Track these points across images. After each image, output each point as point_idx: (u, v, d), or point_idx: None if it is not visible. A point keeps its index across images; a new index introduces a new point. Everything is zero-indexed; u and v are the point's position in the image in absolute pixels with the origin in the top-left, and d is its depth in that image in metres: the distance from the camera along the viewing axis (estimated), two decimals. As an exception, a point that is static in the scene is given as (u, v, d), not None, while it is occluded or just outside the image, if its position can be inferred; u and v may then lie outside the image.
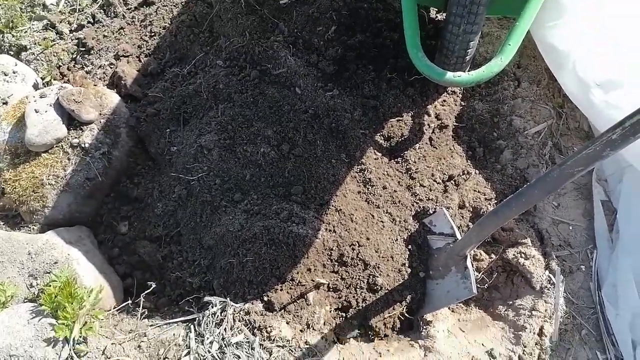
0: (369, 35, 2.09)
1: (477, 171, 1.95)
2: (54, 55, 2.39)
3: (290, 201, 1.76)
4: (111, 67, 2.26)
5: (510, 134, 2.02)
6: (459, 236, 1.66)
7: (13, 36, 2.45)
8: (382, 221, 1.75)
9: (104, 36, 2.41)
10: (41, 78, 2.30)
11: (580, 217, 1.87)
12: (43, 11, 2.55)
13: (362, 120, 1.96)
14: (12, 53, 2.41)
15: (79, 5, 2.54)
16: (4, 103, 2.11)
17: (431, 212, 1.81)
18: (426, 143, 1.96)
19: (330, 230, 1.69)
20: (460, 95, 2.12)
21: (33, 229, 1.84)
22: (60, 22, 2.52)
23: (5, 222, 1.91)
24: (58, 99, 1.87)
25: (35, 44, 2.43)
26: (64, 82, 2.31)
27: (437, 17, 2.27)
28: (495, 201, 1.88)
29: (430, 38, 2.15)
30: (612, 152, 1.11)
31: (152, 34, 2.28)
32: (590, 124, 2.00)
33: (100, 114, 1.98)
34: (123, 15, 2.43)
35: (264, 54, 2.02)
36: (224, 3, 2.15)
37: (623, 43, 1.88)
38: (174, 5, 2.30)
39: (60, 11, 2.56)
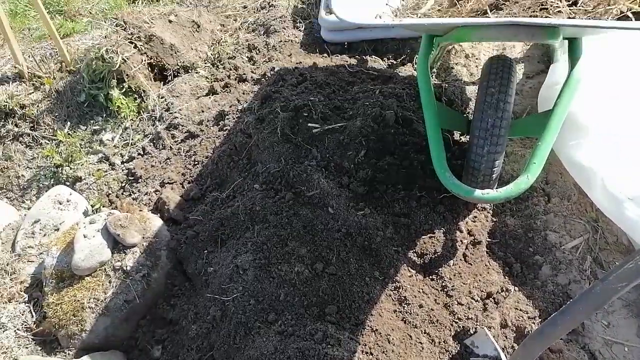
0: (397, 157, 2.21)
1: (517, 288, 1.89)
2: (105, 185, 2.60)
3: (325, 321, 1.73)
4: (156, 194, 2.42)
5: (547, 249, 1.99)
6: (504, 358, 1.57)
7: (71, 169, 2.71)
8: (420, 342, 1.68)
9: (152, 166, 2.63)
10: (91, 205, 2.48)
11: (634, 337, 1.75)
12: (100, 146, 2.84)
13: (394, 237, 1.98)
14: (68, 183, 2.64)
15: (132, 139, 2.82)
16: (55, 229, 2.26)
17: (472, 333, 1.73)
18: (460, 259, 1.94)
19: (366, 352, 1.62)
20: (491, 212, 2.15)
21: (69, 353, 1.85)
22: (114, 154, 2.78)
23: (43, 347, 1.92)
24: (106, 224, 2.00)
25: (89, 174, 2.66)
26: (112, 208, 2.47)
27: (461, 139, 2.40)
28: (539, 319, 1.79)
29: (457, 158, 2.25)
30: (655, 265, 1.08)
31: (196, 162, 2.47)
32: (630, 238, 1.96)
33: (143, 237, 2.08)
34: (170, 147, 2.67)
35: (298, 177, 2.14)
36: (261, 133, 2.34)
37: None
38: (217, 137, 2.53)
39: (114, 145, 2.84)
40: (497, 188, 1.90)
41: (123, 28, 2.93)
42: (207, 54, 3.13)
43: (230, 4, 3.40)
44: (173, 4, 3.44)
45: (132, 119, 2.90)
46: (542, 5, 1.46)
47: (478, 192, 1.78)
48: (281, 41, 3.03)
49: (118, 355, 1.85)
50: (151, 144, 2.74)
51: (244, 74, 2.90)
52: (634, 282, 1.14)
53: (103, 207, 2.49)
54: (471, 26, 1.34)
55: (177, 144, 2.65)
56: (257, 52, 3.05)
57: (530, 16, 1.46)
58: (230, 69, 3.00)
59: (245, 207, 2.10)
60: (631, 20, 1.41)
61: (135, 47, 2.92)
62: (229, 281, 1.88)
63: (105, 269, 1.95)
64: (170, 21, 3.08)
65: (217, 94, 2.88)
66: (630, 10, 1.39)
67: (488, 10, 1.52)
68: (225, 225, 2.09)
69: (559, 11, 1.50)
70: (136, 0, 3.63)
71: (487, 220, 2.11)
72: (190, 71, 3.07)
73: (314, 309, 1.77)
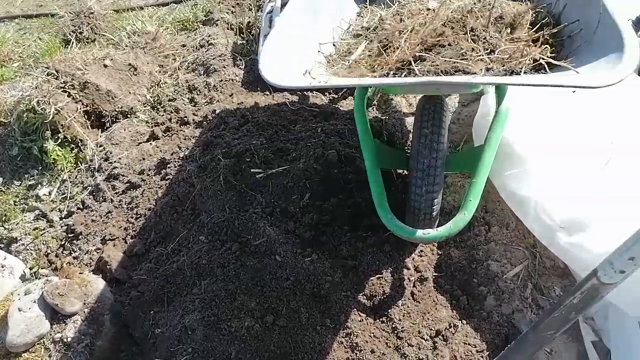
0: (341, 198, 2.23)
1: (464, 321, 1.93)
2: (43, 244, 2.48)
3: (277, 380, 1.71)
4: (97, 252, 2.33)
5: (490, 279, 2.06)
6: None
7: (5, 229, 2.57)
8: (374, 391, 1.69)
9: (93, 220, 2.53)
10: (29, 268, 2.35)
11: (576, 361, 1.82)
12: (36, 202, 2.71)
13: (343, 282, 1.99)
14: (2, 246, 2.50)
15: (70, 193, 2.71)
16: (-11, 300, 2.13)
17: (424, 374, 1.75)
18: (409, 298, 1.97)
19: (320, 409, 1.61)
20: (436, 244, 2.20)
21: None
22: (52, 210, 2.66)
23: None
24: (42, 294, 1.90)
25: (26, 234, 2.53)
26: (52, 269, 2.36)
27: (404, 171, 2.45)
28: (487, 352, 1.84)
29: (401, 192, 2.29)
30: (578, 315, 1.14)
31: (138, 215, 2.40)
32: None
33: (84, 304, 1.99)
34: (111, 199, 2.58)
35: (244, 226, 2.12)
36: (204, 182, 2.31)
37: (581, 183, 2.01)
38: (159, 187, 2.47)
39: (52, 200, 2.72)
40: (437, 225, 1.95)
41: (55, 77, 2.84)
42: (146, 97, 3.07)
43: (169, 43, 3.35)
44: (108, 47, 3.35)
45: (70, 171, 2.79)
46: (463, 55, 1.52)
47: (420, 233, 1.81)
48: (222, 80, 3.02)
49: None
50: (91, 196, 2.64)
51: (186, 116, 2.86)
52: (562, 329, 1.19)
53: (42, 269, 2.37)
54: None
55: (118, 196, 2.57)
56: (198, 92, 3.02)
57: (453, 66, 1.51)
58: (172, 112, 2.95)
59: (191, 262, 2.05)
60: (545, 69, 1.49)
61: (69, 95, 2.83)
62: (177, 343, 1.83)
63: (44, 342, 1.86)
64: (105, 65, 3.00)
65: (159, 139, 2.82)
66: (542, 59, 1.47)
67: (412, 62, 1.57)
68: (171, 282, 2.04)
69: (480, 59, 1.56)
70: (69, 44, 3.52)
71: (432, 254, 2.16)
72: (129, 116, 2.99)
73: (265, 366, 1.75)
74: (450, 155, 2.20)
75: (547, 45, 1.52)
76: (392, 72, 1.62)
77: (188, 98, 3.01)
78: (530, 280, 2.05)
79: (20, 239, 2.51)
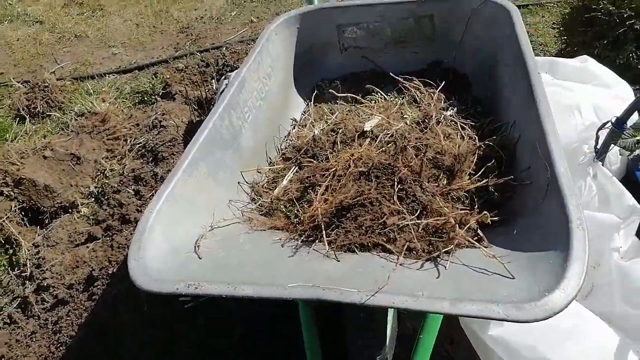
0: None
1: None
2: (-39, 369, 2.25)
3: None
4: (12, 388, 2.08)
5: None
6: None
7: None
8: None
9: (17, 341, 2.29)
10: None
11: None
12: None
13: None
14: None
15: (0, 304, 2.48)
16: None
17: None
18: None
19: None
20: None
21: None
22: (-23, 326, 2.43)
23: None
24: None
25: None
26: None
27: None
28: None
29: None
30: None
31: (59, 343, 2.16)
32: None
33: None
34: (38, 315, 2.34)
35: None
36: (129, 311, 2.05)
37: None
38: (84, 309, 2.22)
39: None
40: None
41: (-14, 174, 2.63)
42: (90, 188, 2.84)
43: (120, 124, 3.13)
44: (54, 132, 3.15)
45: (3, 275, 2.57)
46: (383, 226, 1.24)
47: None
48: (169, 170, 2.77)
49: None
50: (19, 310, 2.40)
51: (128, 213, 2.62)
52: None
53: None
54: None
55: (45, 312, 2.33)
56: (144, 184, 2.78)
57: (370, 241, 1.23)
58: (115, 206, 2.71)
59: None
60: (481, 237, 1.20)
61: (2, 193, 2.61)
62: None
63: None
64: (45, 157, 2.79)
65: (98, 239, 2.58)
66: (468, 242, 1.18)
67: (323, 227, 1.29)
68: None
69: (403, 229, 1.27)
70: (23, 120, 3.33)
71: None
72: (70, 210, 2.77)
73: None
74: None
75: (486, 212, 1.24)
76: (305, 234, 1.35)
77: (133, 190, 2.77)
78: None
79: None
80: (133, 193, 2.79)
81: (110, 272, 2.30)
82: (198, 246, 1.29)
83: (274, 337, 1.94)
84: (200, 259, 1.25)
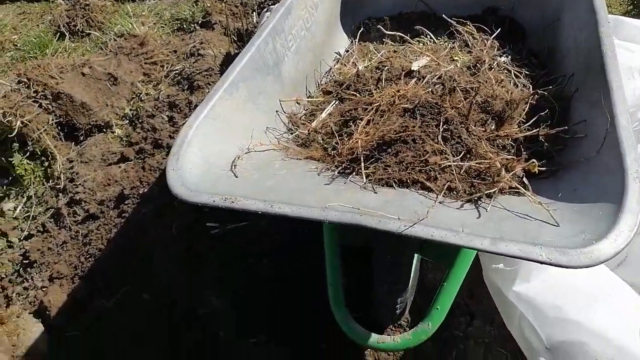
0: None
1: None
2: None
3: None
4: (44, 290, 2.19)
5: (459, 387, 1.78)
6: None
7: (-38, 246, 2.47)
8: None
9: (49, 249, 2.39)
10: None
11: None
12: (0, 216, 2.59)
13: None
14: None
15: (34, 212, 2.57)
16: None
17: None
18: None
19: None
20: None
21: None
22: (13, 229, 2.54)
23: None
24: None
25: (-17, 254, 2.42)
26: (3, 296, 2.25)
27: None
28: None
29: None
30: None
31: (89, 255, 2.23)
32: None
33: (12, 356, 1.86)
34: (70, 227, 2.42)
35: (189, 291, 1.91)
36: (157, 231, 2.10)
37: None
38: (114, 225, 2.28)
39: (15, 217, 2.59)
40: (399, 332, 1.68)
41: (26, 85, 2.65)
42: (125, 110, 2.86)
43: (158, 48, 3.10)
44: (92, 51, 3.14)
45: (37, 187, 2.65)
46: (425, 164, 1.20)
47: (373, 340, 1.55)
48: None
49: None
50: (52, 220, 2.49)
51: (160, 138, 2.63)
52: None
53: (-9, 299, 2.26)
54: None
55: (76, 225, 2.41)
56: (179, 110, 2.78)
57: (409, 177, 1.20)
58: (148, 130, 2.73)
59: (130, 324, 1.87)
60: (525, 188, 1.15)
61: (41, 106, 2.65)
62: None
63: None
64: (83, 74, 2.80)
65: (130, 161, 2.62)
66: (510, 187, 1.13)
67: (362, 160, 1.26)
68: (105, 349, 1.87)
69: (446, 169, 1.23)
70: (63, 37, 3.33)
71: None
72: (105, 130, 2.80)
73: None
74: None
75: (534, 160, 1.18)
76: (342, 166, 1.32)
77: (167, 116, 2.77)
78: (505, 394, 1.76)
79: (-23, 259, 2.40)
80: (167, 119, 2.79)
81: (141, 192, 2.34)
82: (235, 165, 1.28)
83: (299, 267, 1.96)
84: (236, 177, 1.24)
